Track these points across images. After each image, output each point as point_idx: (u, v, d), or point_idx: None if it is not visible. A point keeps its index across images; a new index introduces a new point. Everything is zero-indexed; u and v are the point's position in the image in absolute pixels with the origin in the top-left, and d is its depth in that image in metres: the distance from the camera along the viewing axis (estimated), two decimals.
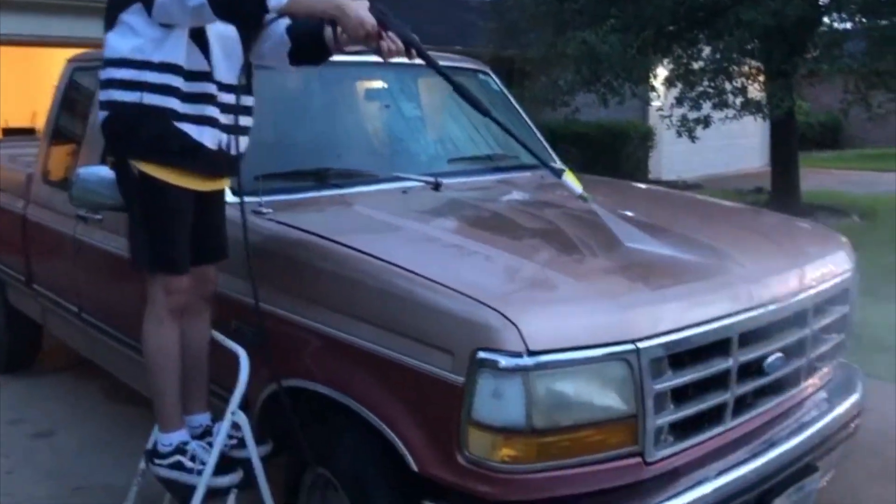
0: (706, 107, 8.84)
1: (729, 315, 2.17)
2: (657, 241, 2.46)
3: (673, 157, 15.05)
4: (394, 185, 2.97)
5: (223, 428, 2.35)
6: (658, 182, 13.95)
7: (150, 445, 2.52)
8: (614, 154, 13.51)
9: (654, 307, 2.06)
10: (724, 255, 2.43)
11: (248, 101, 2.48)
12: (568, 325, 1.94)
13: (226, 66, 2.38)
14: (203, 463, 2.36)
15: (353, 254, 2.26)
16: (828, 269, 2.61)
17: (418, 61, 2.43)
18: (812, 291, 2.46)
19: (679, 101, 8.95)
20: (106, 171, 2.62)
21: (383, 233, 2.52)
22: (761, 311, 2.26)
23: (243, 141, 2.45)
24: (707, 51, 8.85)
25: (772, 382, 2.37)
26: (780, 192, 10.04)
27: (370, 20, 2.21)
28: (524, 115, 3.91)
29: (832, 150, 20.06)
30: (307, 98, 3.20)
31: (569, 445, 1.94)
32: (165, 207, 2.38)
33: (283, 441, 2.54)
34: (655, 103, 10.20)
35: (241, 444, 2.44)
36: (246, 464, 2.42)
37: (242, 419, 2.36)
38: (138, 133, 2.31)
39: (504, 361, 1.87)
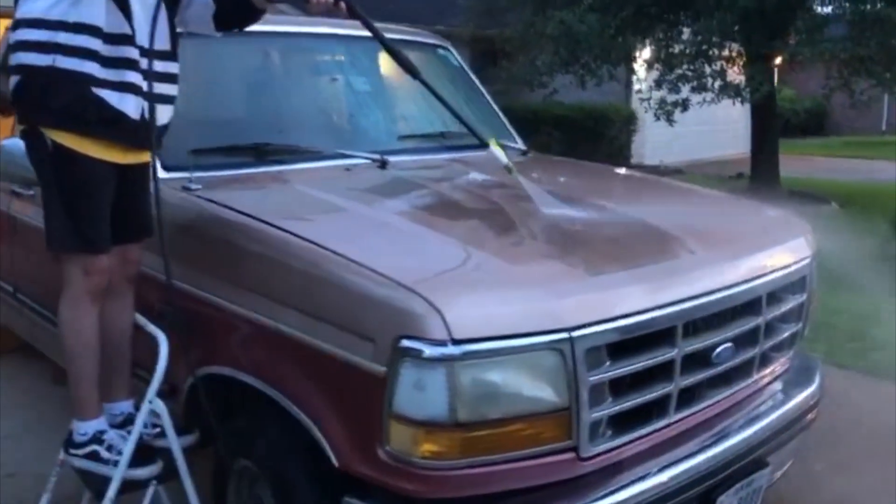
0: (685, 90, 8.73)
1: (673, 303, 2.05)
2: (605, 225, 2.34)
3: (656, 142, 14.96)
4: (338, 163, 2.83)
5: (140, 416, 2.22)
6: (640, 167, 13.86)
7: (67, 434, 2.39)
8: (596, 137, 13.41)
9: (590, 294, 1.94)
10: (673, 239, 2.31)
11: (172, 68, 2.33)
12: (497, 312, 1.82)
13: (147, 30, 2.23)
14: (120, 453, 2.24)
15: (279, 234, 2.12)
16: (785, 255, 2.50)
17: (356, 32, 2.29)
18: (766, 279, 2.35)
19: (658, 84, 8.83)
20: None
21: (315, 212, 2.39)
22: (709, 298, 2.15)
23: (167, 110, 2.30)
24: (687, 33, 8.72)
25: (720, 374, 2.26)
26: (759, 177, 9.96)
27: None
28: (484, 91, 3.78)
29: (817, 137, 20.03)
30: (249, 69, 3.06)
31: (496, 440, 1.82)
32: (82, 181, 2.23)
33: (211, 431, 2.41)
34: (635, 86, 10.11)
35: (164, 433, 2.31)
36: (167, 454, 2.30)
37: (161, 407, 2.23)
38: (51, 100, 2.16)
39: (428, 350, 1.75)
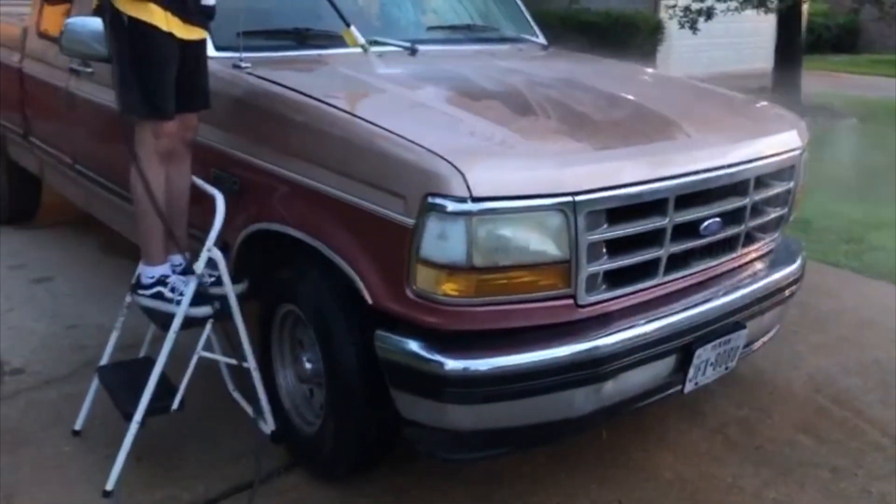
0: None
1: (667, 178, 2.33)
2: (612, 109, 2.61)
3: (681, 53, 14.82)
4: (373, 49, 3.08)
5: (200, 260, 2.55)
6: None
7: (134, 279, 2.74)
8: (622, 45, 13.34)
9: (593, 165, 2.23)
10: (672, 124, 2.58)
11: None
12: (511, 176, 2.12)
13: None
14: (182, 294, 2.59)
15: (321, 106, 2.42)
16: (775, 145, 2.75)
17: None
18: (754, 164, 2.61)
19: None
20: (95, 22, 2.71)
21: (352, 89, 2.67)
22: (700, 177, 2.43)
23: None
24: None
25: (707, 245, 2.55)
26: (780, 90, 10.01)
27: None
28: None
29: (849, 54, 19.67)
30: None
31: (505, 283, 2.15)
32: (152, 53, 2.49)
33: (259, 282, 2.76)
34: None
35: (219, 282, 2.65)
36: (222, 299, 2.64)
37: (217, 255, 2.56)
38: None
39: (450, 206, 2.06)
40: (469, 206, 2.05)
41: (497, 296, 2.16)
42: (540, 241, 2.16)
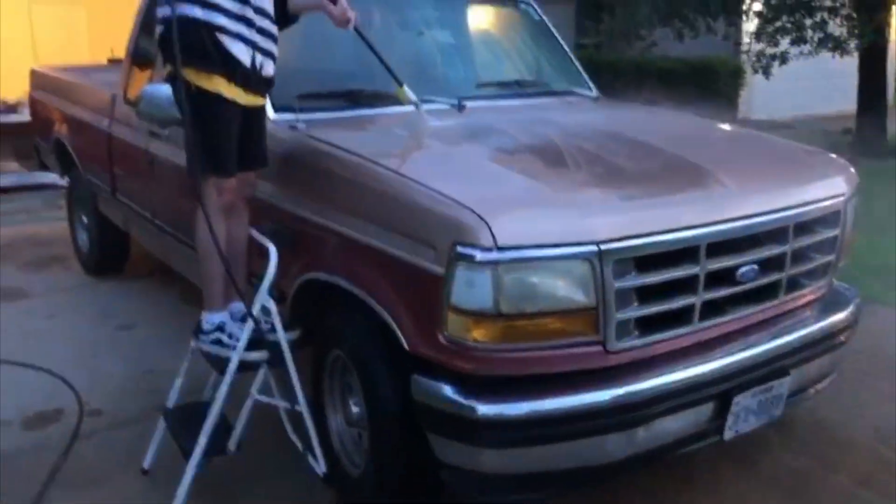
0: (784, 43, 8.61)
1: (696, 226, 2.37)
2: (647, 159, 2.67)
3: (766, 96, 14.59)
4: (423, 106, 3.23)
5: (255, 308, 2.71)
6: (746, 122, 13.64)
7: (196, 325, 2.93)
8: (701, 91, 13.24)
9: (619, 214, 2.29)
10: (706, 173, 2.62)
11: (274, 29, 2.79)
12: (536, 226, 2.21)
13: None
14: (238, 340, 2.75)
15: (363, 162, 2.58)
16: (816, 192, 2.75)
17: None
18: (792, 211, 2.62)
19: (757, 36, 8.75)
20: (167, 89, 2.96)
21: (395, 146, 2.83)
22: (732, 225, 2.45)
23: (271, 65, 2.77)
24: None
25: (744, 292, 2.56)
26: (863, 133, 9.75)
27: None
28: (563, 43, 4.08)
29: None
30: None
31: (533, 330, 2.22)
32: (216, 117, 2.71)
33: (311, 331, 2.90)
34: (744, 38, 9.93)
35: (275, 329, 2.81)
36: (276, 346, 2.79)
37: (271, 304, 2.72)
38: (186, 43, 2.61)
39: (478, 255, 2.16)
40: (495, 254, 2.14)
41: (526, 342, 2.23)
42: (566, 289, 2.23)
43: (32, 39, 10.52)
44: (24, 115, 7.18)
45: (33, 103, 6.12)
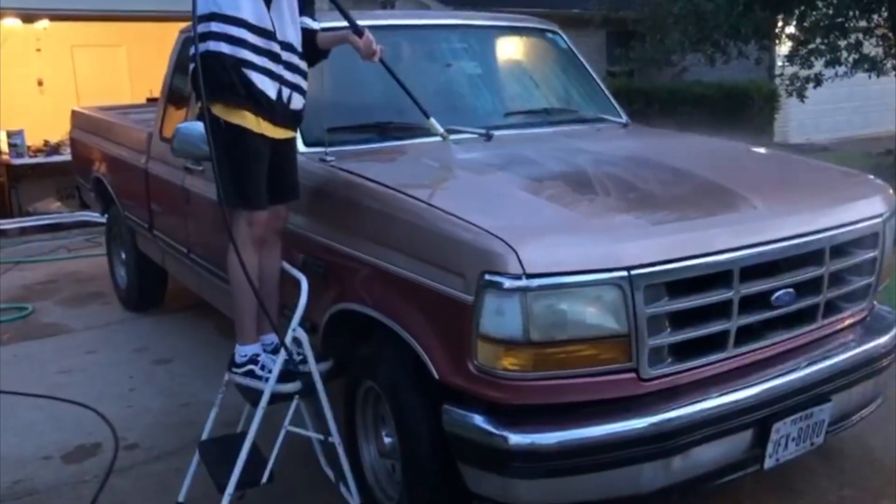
0: (818, 65, 8.52)
1: (728, 251, 2.34)
2: (677, 184, 2.65)
3: (802, 119, 14.48)
4: (452, 137, 3.25)
5: (286, 339, 2.73)
6: (784, 145, 13.49)
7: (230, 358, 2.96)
8: (736, 116, 13.15)
9: (649, 240, 2.27)
10: (738, 196, 2.58)
11: (303, 64, 2.84)
12: (565, 252, 2.19)
13: (286, 30, 2.74)
14: (271, 372, 2.76)
15: (391, 192, 2.59)
16: (852, 213, 2.69)
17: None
18: (827, 233, 2.57)
19: (789, 58, 8.68)
20: (200, 126, 3.01)
21: (423, 176, 2.84)
22: (765, 248, 2.41)
23: (299, 98, 2.81)
24: (821, 5, 8.50)
25: (781, 316, 2.51)
26: None
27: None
28: (591, 71, 4.09)
29: None
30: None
31: (565, 357, 2.20)
32: (246, 152, 2.75)
33: (344, 362, 2.91)
34: (777, 62, 9.85)
35: (306, 360, 2.82)
36: (308, 377, 2.80)
37: (302, 335, 2.73)
38: (213, 78, 2.67)
39: (507, 283, 2.15)
40: (524, 282, 2.13)
41: (557, 370, 2.21)
42: (597, 316, 2.21)
43: (75, 81, 10.83)
44: (67, 156, 7.39)
45: (73, 143, 6.28)
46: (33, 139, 9.03)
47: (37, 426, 3.78)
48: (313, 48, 2.95)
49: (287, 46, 2.76)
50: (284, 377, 2.77)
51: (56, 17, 9.24)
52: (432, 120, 3.15)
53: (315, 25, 2.94)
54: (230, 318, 4.01)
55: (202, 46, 2.65)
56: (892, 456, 3.24)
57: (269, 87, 2.72)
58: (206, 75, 2.63)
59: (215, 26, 2.66)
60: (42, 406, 4.00)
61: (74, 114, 6.27)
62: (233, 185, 2.76)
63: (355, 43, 2.93)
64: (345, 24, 2.94)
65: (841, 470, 3.14)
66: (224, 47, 2.66)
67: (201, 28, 2.67)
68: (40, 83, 10.88)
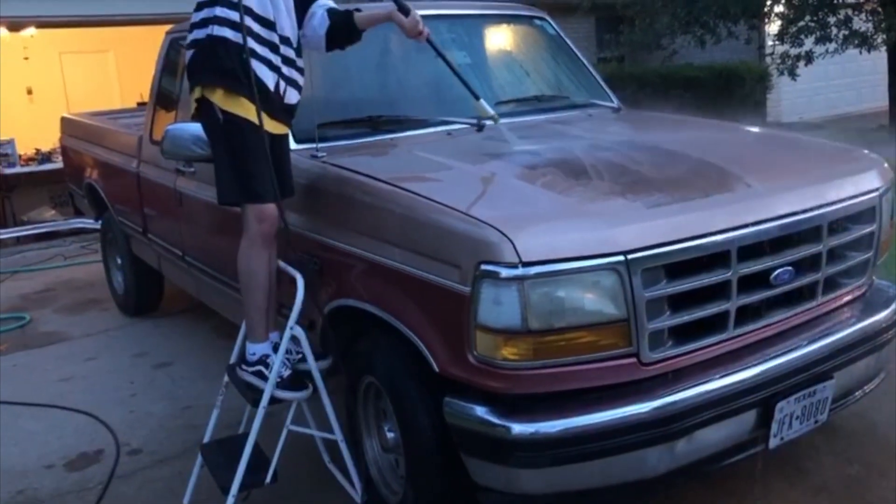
0: (808, 42, 8.48)
1: (725, 231, 2.32)
2: (671, 166, 2.63)
3: (794, 98, 14.47)
4: (441, 129, 3.23)
5: (284, 339, 2.71)
6: (777, 125, 13.48)
7: (232, 359, 2.94)
8: (728, 97, 13.12)
9: (645, 223, 2.25)
10: (732, 176, 2.57)
11: (300, 61, 2.81)
12: (561, 239, 2.17)
13: (284, 24, 2.72)
14: (280, 375, 2.73)
15: (386, 187, 2.56)
16: (847, 188, 2.67)
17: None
18: (824, 210, 2.55)
19: (780, 37, 8.65)
20: (192, 126, 2.98)
21: (414, 168, 2.81)
22: (762, 227, 2.39)
23: (295, 94, 2.78)
24: None
25: (781, 295, 2.50)
26: None
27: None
28: (581, 56, 4.07)
29: None
30: (363, 52, 3.48)
31: (564, 345, 2.18)
32: (248, 143, 2.67)
33: (342, 358, 2.88)
34: (768, 42, 9.83)
35: (305, 357, 2.80)
36: (310, 376, 2.78)
37: (299, 332, 2.71)
38: (216, 63, 2.62)
39: (503, 272, 2.13)
40: (520, 270, 2.11)
41: (557, 358, 2.19)
42: (596, 302, 2.19)
43: (64, 88, 10.80)
44: (59, 164, 7.35)
45: (65, 150, 6.26)
46: (25, 148, 9.01)
47: (38, 435, 3.76)
48: (347, 29, 2.89)
49: (285, 40, 2.74)
50: (294, 382, 2.75)
51: (43, 24, 9.20)
52: (482, 101, 3.06)
53: (330, 3, 2.89)
54: (228, 319, 4.01)
55: (206, 31, 2.61)
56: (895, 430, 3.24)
57: (268, 78, 2.68)
58: (208, 60, 2.59)
59: (220, 11, 2.62)
60: (43, 415, 3.98)
61: (64, 120, 6.24)
62: (235, 180, 2.71)
63: (400, 22, 2.86)
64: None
65: (845, 446, 3.13)
66: (228, 32, 2.61)
67: (205, 13, 2.63)
68: (30, 92, 10.85)
